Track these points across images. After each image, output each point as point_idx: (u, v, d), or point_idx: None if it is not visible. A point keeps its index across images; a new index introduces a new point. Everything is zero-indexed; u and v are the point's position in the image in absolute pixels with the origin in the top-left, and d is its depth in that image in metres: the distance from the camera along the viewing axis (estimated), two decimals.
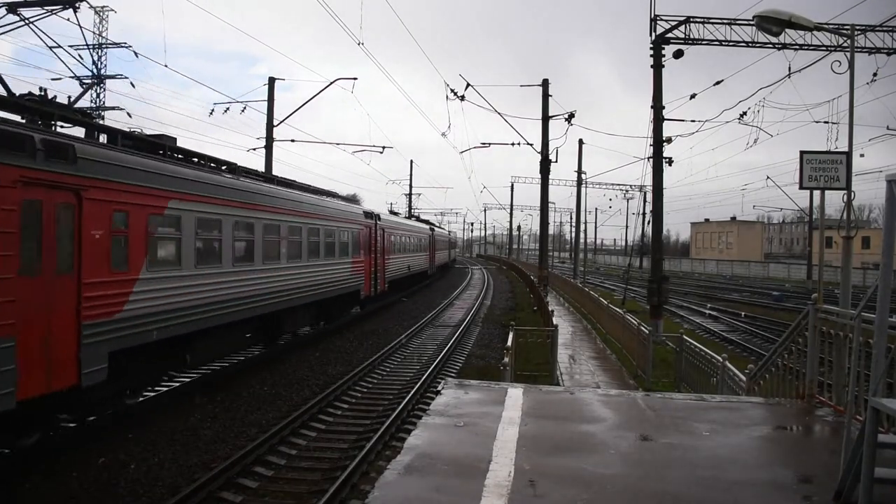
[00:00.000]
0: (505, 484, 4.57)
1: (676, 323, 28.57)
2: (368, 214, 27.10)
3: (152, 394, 13.01)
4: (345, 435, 11.25)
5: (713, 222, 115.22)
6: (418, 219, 52.73)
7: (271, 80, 27.74)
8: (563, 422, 6.41)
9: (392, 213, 46.25)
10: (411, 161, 66.64)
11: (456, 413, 6.45)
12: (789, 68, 19.80)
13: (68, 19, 44.79)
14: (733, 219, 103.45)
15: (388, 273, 30.75)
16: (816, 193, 14.24)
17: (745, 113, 22.00)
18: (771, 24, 9.67)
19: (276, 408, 12.58)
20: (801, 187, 8.60)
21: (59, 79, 74.90)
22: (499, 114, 26.06)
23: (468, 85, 25.24)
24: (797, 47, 20.38)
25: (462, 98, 25.00)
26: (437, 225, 65.26)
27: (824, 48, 20.08)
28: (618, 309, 20.73)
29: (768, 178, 56.97)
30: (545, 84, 28.33)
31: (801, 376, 7.41)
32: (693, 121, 23.86)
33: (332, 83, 26.95)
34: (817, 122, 25.97)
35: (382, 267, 29.13)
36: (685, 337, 13.60)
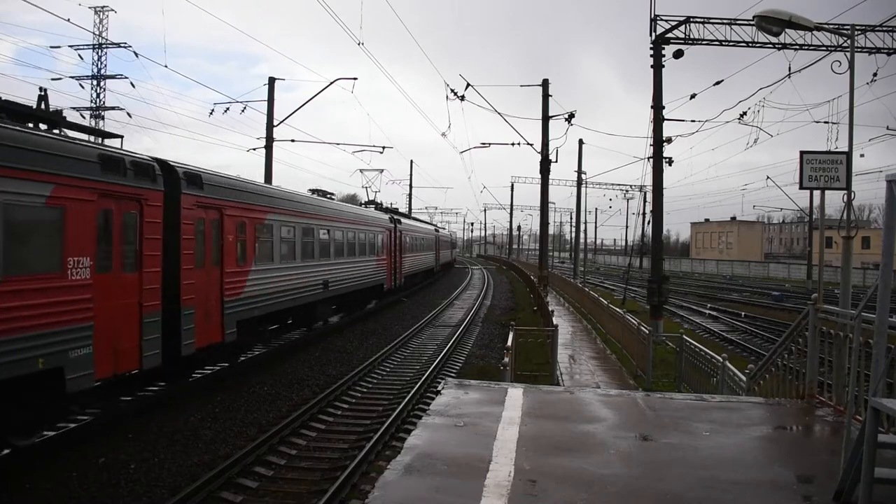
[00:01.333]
0: (505, 484, 4.57)
1: (676, 323, 28.56)
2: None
3: (152, 393, 13.01)
4: (345, 435, 11.25)
5: (713, 222, 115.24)
6: (378, 206, 34.90)
7: (271, 80, 27.77)
8: (563, 422, 6.40)
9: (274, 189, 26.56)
10: (411, 161, 66.61)
11: (456, 413, 6.44)
12: (789, 68, 19.84)
13: (68, 19, 44.87)
14: (733, 219, 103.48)
15: (232, 306, 13.99)
16: (816, 193, 14.24)
17: (745, 113, 22.05)
18: (771, 24, 9.68)
19: (276, 408, 12.58)
20: (801, 187, 8.61)
21: (59, 79, 74.88)
22: (499, 114, 26.09)
23: (468, 85, 25.29)
24: (797, 47, 20.40)
25: (462, 98, 25.04)
26: (410, 216, 51.59)
27: (824, 48, 20.10)
28: (618, 309, 20.72)
29: (768, 178, 57.11)
30: (545, 84, 28.34)
31: (801, 376, 7.41)
32: (693, 121, 23.90)
33: (332, 83, 26.98)
34: (817, 122, 26.05)
35: (203, 300, 12.84)
36: (685, 337, 13.59)
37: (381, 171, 37.44)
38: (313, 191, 23.55)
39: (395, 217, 34.05)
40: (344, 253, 22.91)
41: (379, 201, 36.02)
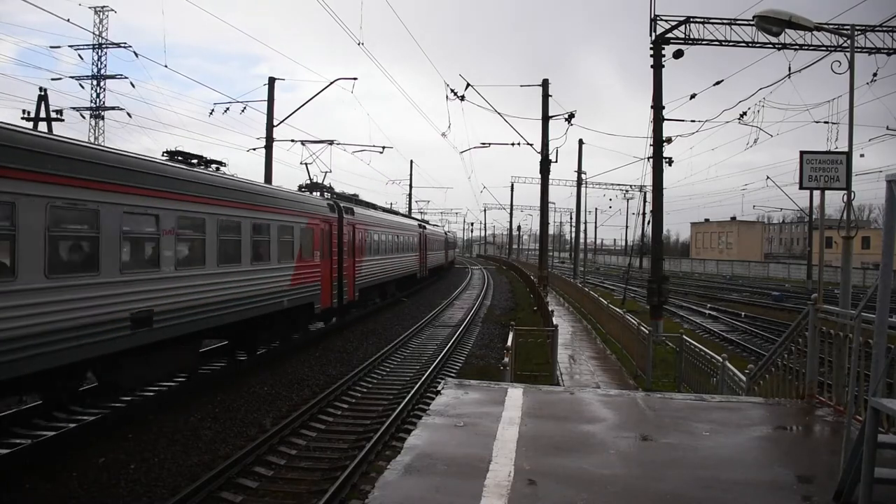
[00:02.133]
0: (505, 484, 4.57)
1: (676, 323, 28.56)
2: None
3: (152, 394, 13.01)
4: (345, 435, 11.25)
5: (713, 222, 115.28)
6: (324, 189, 24.54)
7: (271, 80, 27.76)
8: (563, 422, 6.40)
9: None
10: (411, 161, 66.59)
11: (456, 413, 6.44)
12: (789, 68, 19.84)
13: (68, 19, 44.90)
14: (733, 219, 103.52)
15: None
16: (816, 193, 14.25)
17: (745, 113, 22.07)
18: (771, 24, 9.68)
19: (277, 408, 12.58)
20: (801, 187, 8.61)
21: (60, 79, 74.96)
22: (499, 114, 26.07)
23: (468, 85, 25.28)
24: (797, 47, 20.40)
25: (462, 98, 25.02)
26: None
27: (824, 48, 20.11)
28: (618, 309, 20.72)
29: (768, 178, 57.36)
30: (545, 84, 28.35)
31: (801, 376, 7.41)
32: (693, 121, 23.97)
33: (332, 83, 26.95)
34: (817, 122, 26.04)
35: None
36: (685, 337, 13.59)
37: (332, 142, 27.82)
38: (172, 154, 13.45)
39: (344, 205, 23.37)
40: (204, 259, 13.05)
41: (327, 184, 25.06)
